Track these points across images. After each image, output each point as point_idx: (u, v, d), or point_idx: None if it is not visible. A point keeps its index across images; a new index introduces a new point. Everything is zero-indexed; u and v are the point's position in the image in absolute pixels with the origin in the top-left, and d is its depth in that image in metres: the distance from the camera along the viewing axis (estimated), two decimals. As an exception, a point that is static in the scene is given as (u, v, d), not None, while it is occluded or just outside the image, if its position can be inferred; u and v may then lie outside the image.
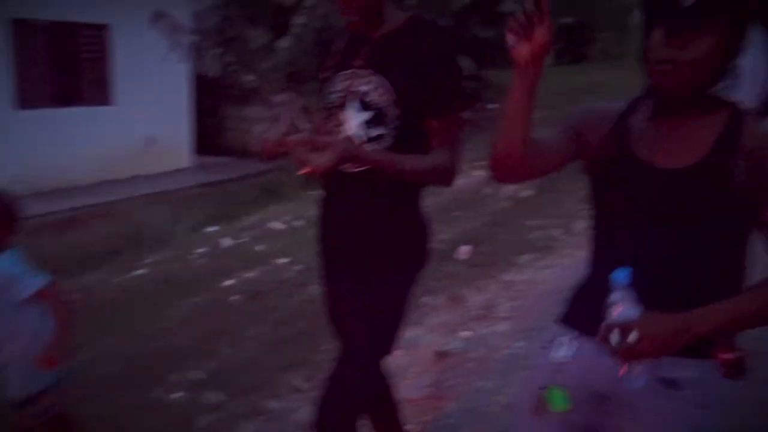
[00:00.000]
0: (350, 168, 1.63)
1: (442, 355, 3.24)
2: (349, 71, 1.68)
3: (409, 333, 3.71)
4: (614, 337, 1.13)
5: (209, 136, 12.01)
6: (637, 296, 1.16)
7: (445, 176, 1.66)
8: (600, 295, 1.20)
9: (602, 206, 1.34)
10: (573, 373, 1.29)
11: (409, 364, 3.16)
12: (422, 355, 3.27)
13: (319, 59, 1.85)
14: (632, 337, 1.11)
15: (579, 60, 18.08)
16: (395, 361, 3.29)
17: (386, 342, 1.74)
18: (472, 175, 6.68)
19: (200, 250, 5.74)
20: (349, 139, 1.63)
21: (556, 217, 5.35)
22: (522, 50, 1.11)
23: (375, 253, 1.71)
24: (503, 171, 1.29)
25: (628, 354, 1.13)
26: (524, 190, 6.24)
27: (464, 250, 4.84)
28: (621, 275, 1.18)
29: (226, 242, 5.93)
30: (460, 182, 7.08)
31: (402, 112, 1.62)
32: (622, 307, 1.15)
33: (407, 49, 1.62)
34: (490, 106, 9.45)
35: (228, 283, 4.69)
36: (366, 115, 1.64)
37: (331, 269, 1.85)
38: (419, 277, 1.78)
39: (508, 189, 6.18)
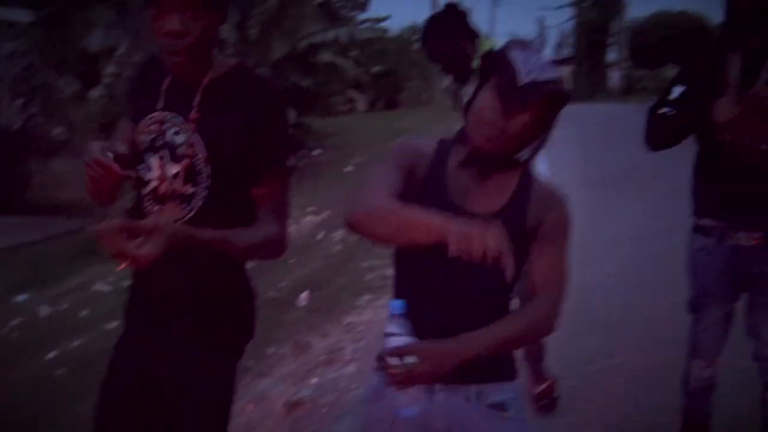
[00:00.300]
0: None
1: (293, 404, 3.27)
2: (164, 117, 1.49)
3: (257, 385, 3.70)
4: (393, 361, 1.22)
5: (11, 194, 10.93)
6: (411, 326, 1.27)
7: (277, 249, 1.51)
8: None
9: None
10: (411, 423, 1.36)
11: (262, 417, 3.16)
12: (273, 407, 3.27)
13: (129, 101, 1.62)
14: (409, 359, 1.22)
15: (392, 106, 19.20)
16: (247, 416, 3.27)
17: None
18: (303, 222, 6.82)
19: (14, 322, 5.21)
20: (173, 220, 1.43)
21: (387, 257, 5.62)
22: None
23: (195, 323, 1.52)
24: (368, 237, 1.34)
25: (406, 378, 1.23)
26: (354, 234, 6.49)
27: (303, 297, 4.92)
28: (396, 306, 1.28)
29: (44, 310, 5.45)
30: (292, 229, 7.19)
31: (218, 170, 1.45)
32: (397, 336, 1.26)
33: (232, 100, 1.47)
34: (313, 152, 9.73)
35: (51, 355, 4.31)
36: (176, 168, 1.47)
37: (140, 344, 1.58)
38: (244, 350, 1.62)
39: (340, 233, 6.38)
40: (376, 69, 17.06)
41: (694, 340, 2.27)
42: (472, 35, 2.83)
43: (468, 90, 2.94)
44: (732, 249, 2.12)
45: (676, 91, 2.15)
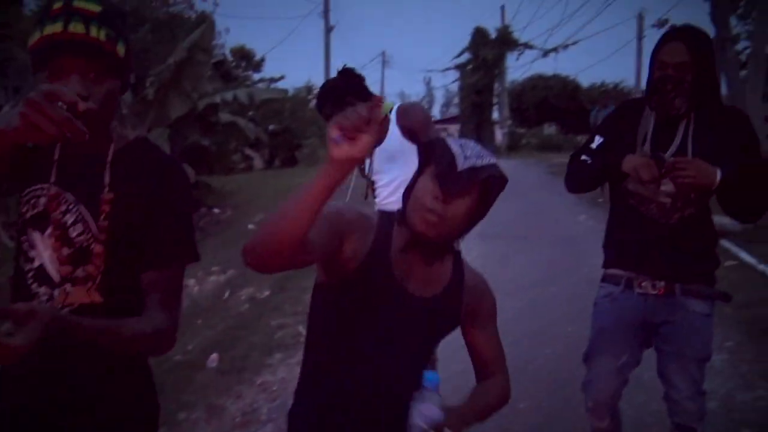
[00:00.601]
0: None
1: (212, 469, 3.24)
2: (56, 192, 1.34)
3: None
4: None
5: None
6: (439, 399, 1.36)
7: (164, 342, 1.35)
8: (334, 411, 1.40)
9: (343, 317, 1.42)
10: None
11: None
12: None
13: (16, 171, 1.37)
14: None
15: (289, 164, 19.34)
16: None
17: None
18: (207, 282, 6.74)
19: None
20: (52, 307, 1.25)
21: (297, 314, 5.67)
22: (343, 149, 1.09)
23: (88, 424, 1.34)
24: (268, 259, 1.21)
25: None
26: (261, 292, 6.49)
27: (213, 358, 4.86)
28: (430, 378, 1.36)
29: None
30: (196, 289, 7.03)
31: (112, 253, 1.32)
32: (429, 408, 1.34)
33: (133, 179, 1.34)
34: (214, 211, 9.66)
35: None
36: (65, 249, 1.33)
37: None
38: None
39: (247, 291, 6.37)
40: (272, 127, 17.23)
41: (587, 392, 2.29)
42: (368, 98, 2.86)
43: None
44: (637, 298, 2.17)
45: (597, 141, 2.26)
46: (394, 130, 2.93)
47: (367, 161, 3.06)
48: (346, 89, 2.85)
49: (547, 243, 7.38)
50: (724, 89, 12.40)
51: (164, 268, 1.34)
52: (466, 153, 1.34)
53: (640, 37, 24.71)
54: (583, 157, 2.30)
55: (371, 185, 3.12)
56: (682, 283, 2.14)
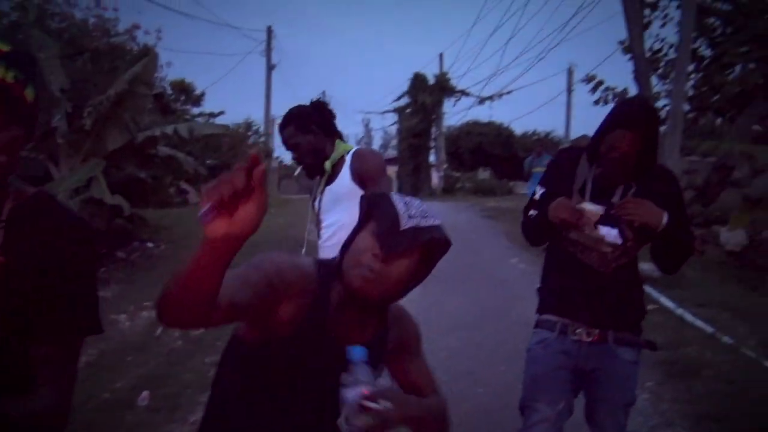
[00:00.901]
0: None
1: None
2: None
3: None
4: (372, 405, 1.19)
5: None
6: (368, 370, 1.27)
7: (53, 425, 1.19)
8: None
9: (267, 375, 1.35)
10: None
11: None
12: None
13: None
14: (385, 404, 1.21)
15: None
16: None
17: None
18: (139, 317, 6.57)
19: None
20: None
21: (231, 352, 5.61)
22: (216, 225, 0.96)
23: None
24: (176, 321, 1.19)
25: (382, 422, 1.20)
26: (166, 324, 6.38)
27: (144, 396, 4.73)
28: (357, 352, 1.26)
29: None
30: (127, 325, 6.85)
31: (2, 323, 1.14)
32: (362, 384, 1.23)
33: (31, 240, 1.17)
34: (148, 245, 9.44)
35: None
36: None
37: None
38: None
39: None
40: (210, 162, 17.06)
41: None
42: (334, 135, 2.91)
43: (315, 183, 3.03)
44: (571, 344, 2.18)
45: (539, 193, 2.28)
46: (346, 172, 2.87)
47: (318, 198, 2.99)
48: (310, 117, 2.84)
49: (481, 285, 7.57)
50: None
51: (58, 343, 1.17)
52: (410, 212, 1.29)
53: (569, 90, 26.04)
54: (531, 212, 2.31)
55: (319, 224, 3.05)
56: (614, 330, 2.18)
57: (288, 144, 2.90)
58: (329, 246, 2.87)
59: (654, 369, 4.81)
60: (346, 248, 1.35)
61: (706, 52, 15.07)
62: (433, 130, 31.75)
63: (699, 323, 5.98)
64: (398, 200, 1.33)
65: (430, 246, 1.32)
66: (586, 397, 2.29)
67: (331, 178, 2.92)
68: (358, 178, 2.83)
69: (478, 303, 6.76)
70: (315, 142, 2.86)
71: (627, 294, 2.23)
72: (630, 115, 2.06)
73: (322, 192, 2.96)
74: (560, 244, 2.23)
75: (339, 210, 2.86)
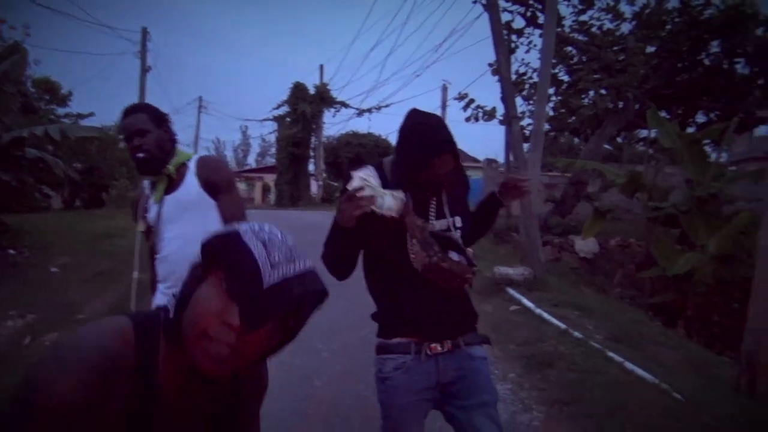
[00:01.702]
0: None
1: None
2: None
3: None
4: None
5: None
6: None
7: None
8: None
9: None
10: None
11: None
12: None
13: None
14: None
15: (95, 205, 18.18)
16: None
17: None
18: (4, 326, 6.22)
19: None
20: None
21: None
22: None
23: None
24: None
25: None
26: (67, 337, 6.13)
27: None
28: None
29: None
30: (-9, 337, 6.43)
31: None
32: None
33: None
34: (10, 252, 8.87)
35: None
36: None
37: None
38: None
39: (50, 336, 5.99)
40: (78, 166, 16.17)
41: None
42: (171, 137, 2.72)
43: (145, 196, 2.81)
44: (428, 361, 2.13)
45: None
46: (191, 179, 2.68)
47: (154, 208, 2.73)
48: (165, 117, 2.71)
49: (362, 290, 7.83)
50: (511, 160, 14.15)
51: None
52: (273, 258, 0.98)
53: (444, 106, 27.17)
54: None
55: (157, 236, 2.74)
56: (461, 335, 2.20)
57: (133, 129, 2.61)
58: (173, 261, 2.66)
59: (516, 362, 5.32)
60: (183, 304, 1.02)
61: (565, 77, 16.50)
62: (313, 139, 31.94)
63: (554, 321, 6.61)
64: (253, 241, 1.00)
65: (302, 302, 1.03)
66: (454, 409, 2.18)
67: (174, 185, 2.69)
68: (209, 186, 2.66)
69: (358, 306, 6.98)
70: (164, 138, 2.67)
71: (465, 300, 2.27)
72: (442, 139, 2.08)
73: (160, 201, 2.70)
74: (388, 264, 2.23)
75: (185, 220, 2.65)
